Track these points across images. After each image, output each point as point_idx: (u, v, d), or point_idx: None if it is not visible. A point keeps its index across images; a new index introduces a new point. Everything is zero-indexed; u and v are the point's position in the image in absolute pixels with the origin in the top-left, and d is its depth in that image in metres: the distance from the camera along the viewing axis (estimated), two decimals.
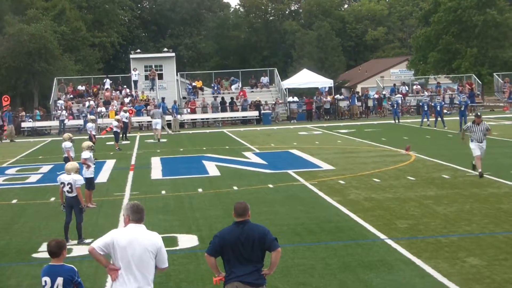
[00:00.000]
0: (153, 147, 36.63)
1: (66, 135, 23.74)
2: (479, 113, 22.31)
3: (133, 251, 7.69)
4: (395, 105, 49.32)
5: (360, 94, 59.39)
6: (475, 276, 11.34)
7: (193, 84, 58.91)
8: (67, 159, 22.06)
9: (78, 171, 15.66)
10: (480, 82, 62.04)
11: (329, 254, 13.09)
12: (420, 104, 48.36)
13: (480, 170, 21.09)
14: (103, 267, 7.97)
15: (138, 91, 56.75)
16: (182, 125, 52.06)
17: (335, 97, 57.36)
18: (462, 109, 38.34)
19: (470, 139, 21.52)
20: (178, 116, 49.77)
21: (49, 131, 52.62)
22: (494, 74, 63.03)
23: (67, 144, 22.70)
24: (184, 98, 56.52)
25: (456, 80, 65.68)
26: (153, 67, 58.20)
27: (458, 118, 39.14)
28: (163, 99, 51.27)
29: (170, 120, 48.94)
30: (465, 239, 13.75)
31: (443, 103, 46.67)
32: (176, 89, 57.48)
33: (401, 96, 56.63)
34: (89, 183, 18.92)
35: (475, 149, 21.33)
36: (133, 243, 7.71)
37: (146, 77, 58.24)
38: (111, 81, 60.32)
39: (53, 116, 53.03)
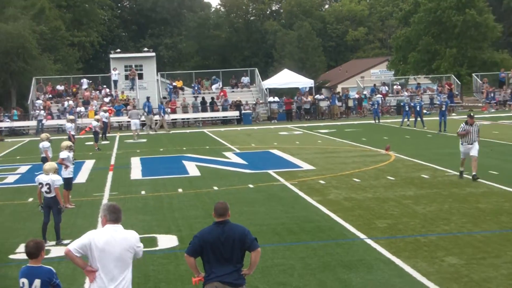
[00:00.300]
0: (132, 147, 36.51)
1: (43, 135, 23.58)
2: (472, 114, 21.54)
3: (111, 252, 7.65)
4: (376, 105, 49.49)
5: (340, 94, 59.50)
6: (453, 275, 11.38)
7: (174, 84, 58.78)
8: (45, 159, 21.94)
9: (57, 172, 15.56)
10: (459, 83, 62.37)
11: (309, 254, 13.09)
12: (401, 104, 48.55)
13: (461, 169, 20.94)
14: (81, 269, 7.92)
15: (118, 91, 56.54)
16: (162, 125, 52.07)
17: (316, 97, 57.42)
18: (443, 109, 38.49)
19: (460, 141, 21.01)
20: (166, 116, 49.68)
21: (27, 131, 52.29)
22: (473, 74, 63.39)
23: (45, 144, 22.55)
24: (164, 98, 56.37)
25: (435, 80, 66.03)
26: (133, 67, 58.01)
27: (437, 118, 39.27)
28: (148, 98, 51.20)
29: (157, 120, 48.92)
30: (443, 239, 13.80)
31: (423, 103, 46.83)
32: (156, 89, 57.33)
33: (381, 96, 56.82)
34: (68, 183, 18.81)
35: (464, 152, 20.84)
36: (111, 243, 7.67)
37: (126, 77, 58.03)
38: (90, 81, 60.02)
39: (31, 116, 52.71)
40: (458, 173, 21.47)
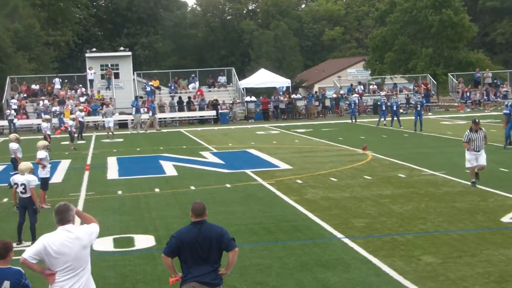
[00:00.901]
0: (109, 146, 36.33)
1: (12, 135, 23.21)
2: (477, 120, 20.02)
3: (67, 253, 7.60)
4: (352, 104, 49.66)
5: (317, 93, 59.61)
6: (430, 273, 11.43)
7: (150, 83, 58.57)
8: (14, 160, 21.74)
9: (32, 172, 15.43)
10: (435, 82, 62.73)
11: (286, 253, 13.09)
12: (378, 104, 48.74)
13: (473, 180, 19.44)
14: (40, 274, 7.84)
15: (94, 90, 56.23)
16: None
17: (292, 96, 57.51)
18: (418, 108, 38.67)
19: (466, 148, 19.59)
20: (164, 115, 49.65)
21: (1, 130, 51.88)
22: (449, 74, 63.79)
23: (13, 146, 22.19)
24: (141, 97, 56.14)
25: (412, 80, 66.35)
26: (109, 66, 57.76)
27: (413, 117, 39.43)
28: (136, 97, 51.05)
29: (144, 119, 48.90)
30: (420, 238, 13.86)
31: (399, 103, 47.04)
32: (132, 89, 57.10)
33: (357, 96, 57.01)
34: (44, 183, 18.68)
35: (471, 159, 19.40)
36: (66, 245, 7.61)
37: (102, 76, 57.74)
38: (65, 80, 59.59)
39: (6, 116, 52.28)
40: (438, 173, 21.56)
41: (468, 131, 19.68)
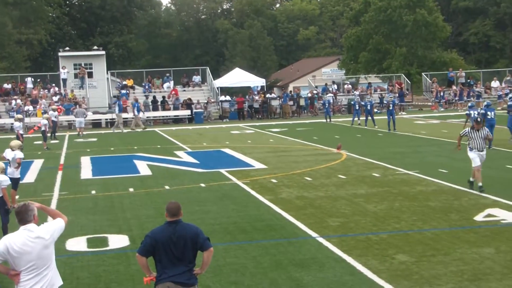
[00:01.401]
0: (83, 146, 36.13)
1: None
2: (479, 119, 19.41)
3: (30, 252, 7.56)
4: (327, 104, 49.78)
5: (292, 93, 59.68)
6: (404, 272, 11.47)
7: (124, 82, 58.32)
8: None
9: (3, 172, 15.28)
10: (409, 82, 63.07)
11: (261, 253, 13.07)
12: (352, 103, 48.90)
13: (480, 184, 18.38)
14: (5, 275, 7.80)
15: (67, 89, 55.86)
16: (113, 124, 51.83)
17: (267, 96, 57.53)
18: (390, 108, 38.82)
19: (468, 148, 18.78)
20: (141, 114, 49.46)
21: None
22: (423, 73, 64.16)
23: None
24: (114, 97, 55.91)
25: (386, 79, 66.66)
26: (83, 65, 57.40)
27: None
28: (117, 97, 50.69)
29: (127, 118, 48.78)
30: (394, 236, 13.91)
31: (374, 102, 47.22)
32: (106, 88, 56.82)
33: (332, 95, 57.16)
34: (16, 183, 18.50)
35: (475, 158, 18.55)
36: (28, 245, 7.57)
37: (76, 76, 57.36)
38: (38, 79, 59.14)
39: None
40: (412, 172, 21.63)
41: (468, 128, 19.14)
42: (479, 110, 28.47)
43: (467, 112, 29.09)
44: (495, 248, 12.69)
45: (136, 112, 47.89)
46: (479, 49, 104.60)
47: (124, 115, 49.04)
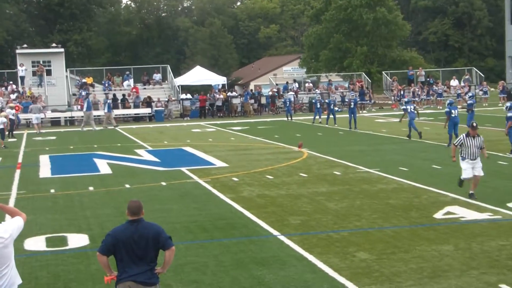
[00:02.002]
0: (41, 144, 35.74)
1: None
2: (475, 124, 17.56)
3: None
4: (288, 102, 49.87)
5: (253, 91, 59.67)
6: (365, 270, 11.52)
7: (83, 80, 57.83)
8: None
9: None
10: (369, 80, 63.45)
11: (222, 251, 13.04)
12: (313, 101, 49.06)
13: (471, 192, 17.14)
14: None
15: (25, 87, 55.19)
16: (72, 122, 51.57)
17: (228, 94, 57.47)
18: (352, 106, 39.02)
19: (460, 157, 17.32)
20: (112, 112, 49.23)
21: None
22: (383, 72, 64.59)
23: None
24: (74, 94, 55.41)
25: (347, 78, 66.99)
26: (41, 62, 56.75)
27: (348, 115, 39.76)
28: (87, 94, 50.21)
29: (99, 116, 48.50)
30: (355, 234, 13.97)
31: (334, 101, 47.40)
32: (65, 86, 56.29)
33: (293, 93, 57.28)
34: None
35: (467, 169, 17.13)
36: None
37: (34, 73, 56.71)
38: None
39: None
40: (372, 170, 21.78)
41: (463, 135, 17.51)
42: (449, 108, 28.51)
43: (403, 107, 29.53)
44: (454, 246, 12.80)
45: (106, 110, 47.68)
46: (438, 48, 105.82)
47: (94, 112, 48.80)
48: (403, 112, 33.37)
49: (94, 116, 47.70)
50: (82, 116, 48.25)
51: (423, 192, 18.31)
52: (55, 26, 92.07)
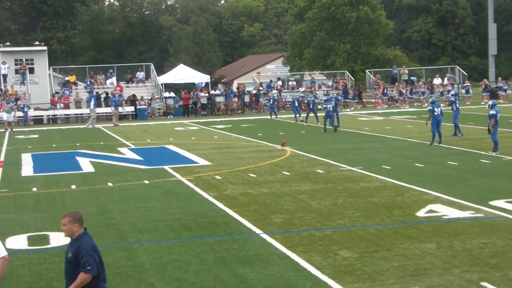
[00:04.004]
0: (24, 143, 35.57)
1: None
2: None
3: None
4: (272, 100, 49.87)
5: (239, 90, 59.58)
6: (347, 268, 11.53)
7: (66, 78, 57.59)
8: None
9: None
10: (353, 79, 63.56)
11: (205, 250, 13.02)
12: (291, 100, 49.18)
13: None
14: None
15: (7, 85, 54.88)
16: (55, 120, 51.39)
17: (212, 92, 57.41)
18: (334, 105, 38.96)
19: None
20: (120, 109, 48.98)
21: None
22: (367, 70, 64.71)
23: None
24: (57, 93, 55.18)
25: (330, 76, 67.08)
26: (24, 60, 56.47)
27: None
28: (92, 91, 50.01)
29: (111, 113, 48.36)
30: (338, 233, 13.98)
31: (317, 99, 47.40)
32: (48, 84, 56.03)
33: (276, 91, 57.30)
34: None
35: None
36: None
37: (17, 71, 56.43)
38: None
39: None
40: (355, 169, 21.82)
41: None
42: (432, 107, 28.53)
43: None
44: (436, 244, 12.84)
45: (115, 107, 47.68)
46: (422, 46, 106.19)
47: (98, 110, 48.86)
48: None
49: (85, 114, 47.75)
50: (67, 115, 48.11)
51: (406, 190, 18.36)
52: (38, 24, 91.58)
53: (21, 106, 49.63)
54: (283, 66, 79.80)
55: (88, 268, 7.84)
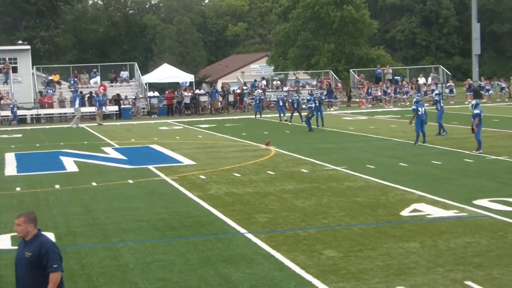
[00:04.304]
0: (7, 142, 35.38)
1: None
2: None
3: None
4: (258, 100, 49.86)
5: (224, 90, 59.55)
6: (332, 267, 11.55)
7: (50, 78, 57.34)
8: None
9: None
10: (337, 78, 63.65)
11: (189, 249, 13.00)
12: (275, 100, 49.22)
13: None
14: None
15: None
16: (38, 120, 51.20)
17: (196, 92, 57.33)
18: (317, 104, 39.06)
19: None
20: (104, 108, 48.76)
21: None
22: (351, 70, 64.83)
23: None
24: (40, 92, 54.93)
25: (314, 76, 67.17)
26: (7, 60, 56.15)
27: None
28: (76, 91, 49.78)
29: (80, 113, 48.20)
30: (322, 232, 14.00)
31: (301, 99, 47.41)
32: (32, 83, 55.77)
33: (261, 91, 57.29)
34: None
35: None
36: None
37: (0, 70, 56.13)
38: None
39: None
40: (340, 168, 21.85)
41: None
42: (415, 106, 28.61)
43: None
44: (420, 243, 12.88)
45: (99, 107, 47.53)
46: (406, 46, 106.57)
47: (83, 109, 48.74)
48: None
49: (69, 113, 47.62)
50: (51, 114, 47.93)
51: (390, 189, 18.40)
52: (22, 23, 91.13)
53: (11, 105, 49.52)
54: (267, 65, 79.82)
55: (55, 266, 7.80)
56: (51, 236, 14.34)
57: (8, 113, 49.92)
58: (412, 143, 28.24)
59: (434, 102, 32.31)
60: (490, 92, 58.71)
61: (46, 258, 7.80)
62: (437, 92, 37.22)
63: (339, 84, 61.21)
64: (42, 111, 52.15)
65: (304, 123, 38.20)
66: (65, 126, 46.12)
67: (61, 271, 7.93)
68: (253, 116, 48.22)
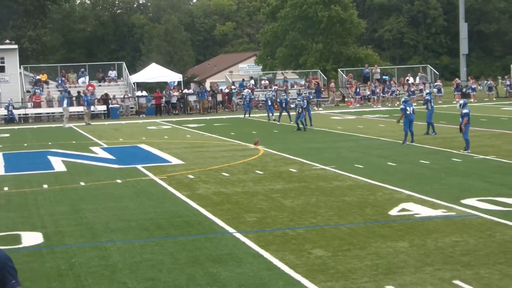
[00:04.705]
0: None
1: None
2: None
3: None
4: (248, 99, 49.86)
5: (213, 89, 59.51)
6: (320, 267, 11.55)
7: (38, 77, 57.17)
8: None
9: None
10: (325, 78, 63.73)
11: (178, 249, 12.98)
12: (264, 99, 49.26)
13: None
14: None
15: None
16: (26, 119, 51.01)
17: (184, 91, 57.30)
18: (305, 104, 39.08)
19: None
20: (92, 108, 48.65)
21: None
22: (339, 70, 64.92)
23: None
24: (28, 91, 54.77)
25: (302, 75, 67.24)
26: None
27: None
28: (65, 90, 49.63)
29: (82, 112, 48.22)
30: (311, 231, 14.00)
31: (289, 98, 47.51)
32: (19, 83, 55.60)
33: (249, 90, 57.31)
34: None
35: None
36: None
37: None
38: None
39: None
40: (328, 168, 21.86)
41: None
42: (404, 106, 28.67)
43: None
44: (409, 242, 12.90)
45: (87, 106, 47.41)
46: (394, 45, 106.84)
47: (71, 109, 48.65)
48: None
49: (57, 113, 47.46)
50: (39, 113, 47.76)
51: (378, 189, 18.43)
52: (9, 22, 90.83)
53: (6, 105, 49.38)
54: (255, 65, 79.88)
55: (13, 282, 7.48)
56: (38, 236, 14.31)
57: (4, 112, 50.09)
58: (400, 142, 28.31)
59: (425, 102, 32.42)
60: (479, 88, 58.99)
61: (4, 272, 7.18)
62: (428, 91, 37.32)
63: (332, 84, 61.18)
64: (30, 111, 51.97)
65: (294, 123, 38.18)
66: (53, 126, 45.97)
67: (19, 286, 7.63)
68: (242, 116, 48.20)
